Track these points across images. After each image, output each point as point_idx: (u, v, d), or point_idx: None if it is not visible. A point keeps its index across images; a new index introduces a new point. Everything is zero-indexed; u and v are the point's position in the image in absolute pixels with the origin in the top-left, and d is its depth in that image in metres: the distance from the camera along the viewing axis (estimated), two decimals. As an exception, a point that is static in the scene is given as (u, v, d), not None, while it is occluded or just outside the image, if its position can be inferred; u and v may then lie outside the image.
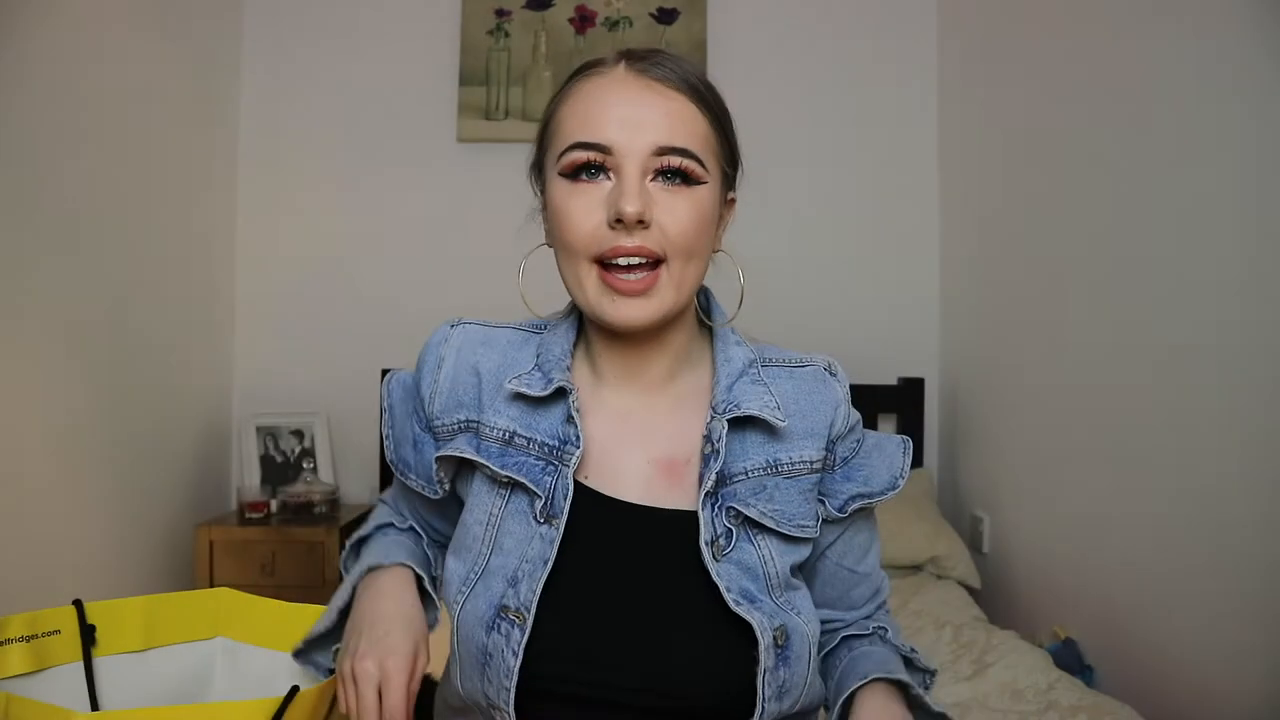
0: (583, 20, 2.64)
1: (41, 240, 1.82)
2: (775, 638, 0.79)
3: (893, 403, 2.53)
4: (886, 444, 0.92)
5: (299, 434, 2.57)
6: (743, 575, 0.81)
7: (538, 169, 0.87)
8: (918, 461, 2.52)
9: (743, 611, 0.79)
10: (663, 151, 0.78)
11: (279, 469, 2.54)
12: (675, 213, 0.78)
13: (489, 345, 0.87)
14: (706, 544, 0.80)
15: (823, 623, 0.90)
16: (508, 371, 0.85)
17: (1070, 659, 1.79)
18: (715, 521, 0.81)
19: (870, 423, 2.44)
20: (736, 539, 0.82)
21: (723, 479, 0.82)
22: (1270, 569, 1.38)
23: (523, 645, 0.77)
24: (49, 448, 1.86)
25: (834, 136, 2.67)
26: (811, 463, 0.85)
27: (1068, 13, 1.99)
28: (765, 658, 0.78)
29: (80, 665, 0.80)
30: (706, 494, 0.81)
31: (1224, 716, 1.48)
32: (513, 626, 0.78)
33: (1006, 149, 2.28)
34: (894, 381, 2.56)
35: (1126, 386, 1.74)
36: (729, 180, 0.86)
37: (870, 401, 2.49)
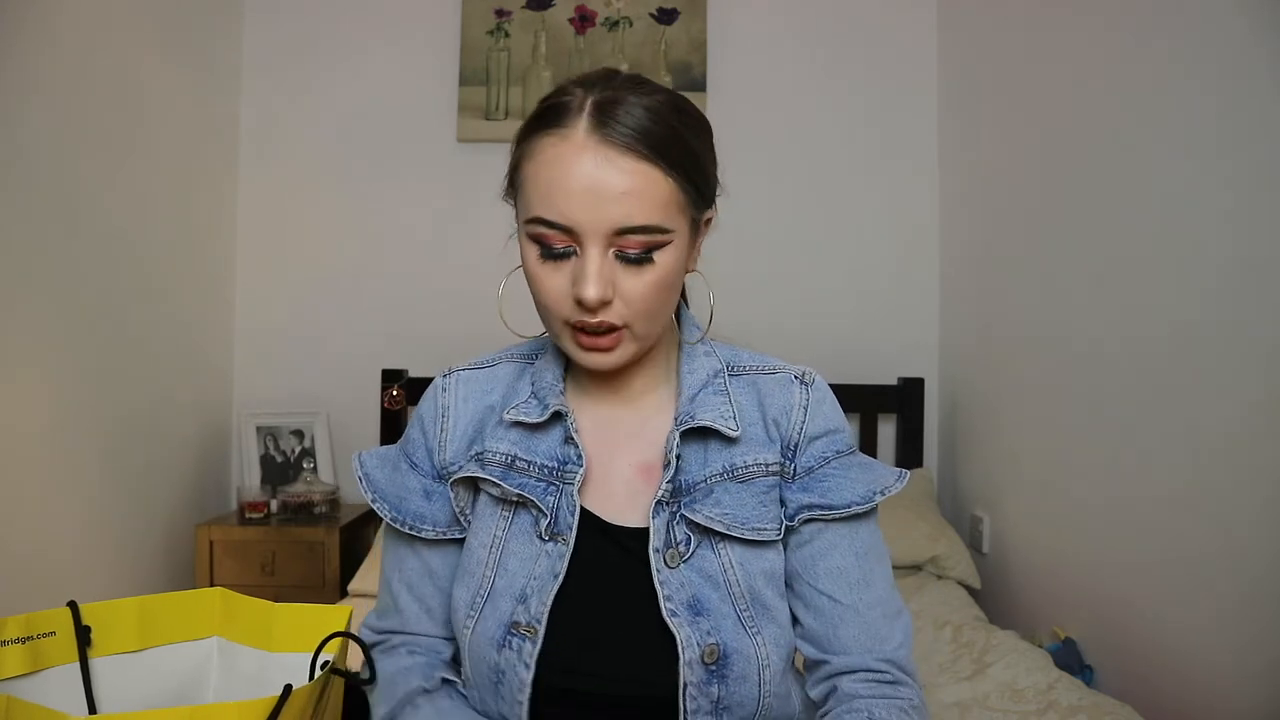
0: (583, 20, 2.64)
1: (42, 240, 1.82)
2: (704, 654, 0.81)
3: (893, 403, 2.52)
4: (877, 467, 0.91)
5: (299, 434, 2.57)
6: (703, 582, 0.84)
7: (511, 189, 0.86)
8: (917, 461, 2.52)
9: (674, 623, 0.82)
10: (623, 232, 0.78)
11: (279, 469, 2.55)
12: (637, 287, 0.80)
13: (493, 382, 0.94)
14: (655, 551, 0.84)
15: (814, 664, 0.88)
16: (509, 402, 0.91)
17: (1070, 659, 1.79)
18: (673, 529, 0.85)
19: (870, 423, 2.52)
20: (696, 546, 0.85)
21: (685, 489, 0.86)
22: (1271, 569, 1.38)
23: (535, 657, 0.82)
24: (48, 448, 1.87)
25: (834, 136, 2.67)
26: (767, 466, 0.88)
27: (1068, 13, 1.99)
28: (686, 672, 0.81)
29: (76, 666, 0.80)
30: (659, 503, 0.85)
31: (1224, 716, 1.47)
32: (524, 640, 0.82)
33: (1007, 149, 2.28)
34: (894, 381, 2.56)
35: (1127, 386, 1.74)
36: (703, 209, 0.85)
37: (870, 401, 2.51)
